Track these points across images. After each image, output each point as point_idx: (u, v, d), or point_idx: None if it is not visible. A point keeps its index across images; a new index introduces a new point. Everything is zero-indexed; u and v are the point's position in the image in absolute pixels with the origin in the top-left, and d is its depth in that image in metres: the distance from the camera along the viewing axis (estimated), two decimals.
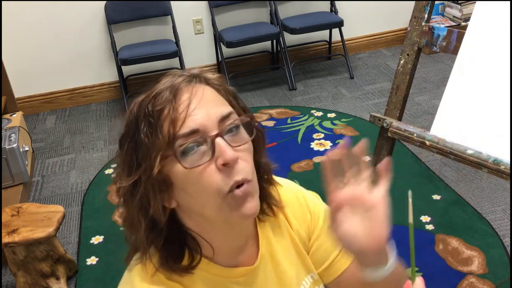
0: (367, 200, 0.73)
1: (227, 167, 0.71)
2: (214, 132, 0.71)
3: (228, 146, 0.71)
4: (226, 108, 0.74)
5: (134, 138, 0.72)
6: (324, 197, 0.90)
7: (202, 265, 0.78)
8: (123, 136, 0.75)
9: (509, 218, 2.26)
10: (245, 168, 0.73)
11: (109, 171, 2.92)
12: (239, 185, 0.72)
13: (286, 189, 0.91)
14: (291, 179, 0.98)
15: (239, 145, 0.73)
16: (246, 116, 0.76)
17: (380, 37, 4.22)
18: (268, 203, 0.84)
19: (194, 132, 0.70)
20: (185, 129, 0.70)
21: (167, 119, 0.70)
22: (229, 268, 0.81)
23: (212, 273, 0.79)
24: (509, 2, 1.28)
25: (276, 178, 0.88)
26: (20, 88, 3.59)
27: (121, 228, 2.72)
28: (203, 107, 0.71)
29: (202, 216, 0.75)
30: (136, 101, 0.74)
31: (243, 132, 0.75)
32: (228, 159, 0.70)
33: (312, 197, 0.96)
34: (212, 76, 0.76)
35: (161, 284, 0.75)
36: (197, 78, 0.75)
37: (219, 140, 0.71)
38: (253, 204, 0.74)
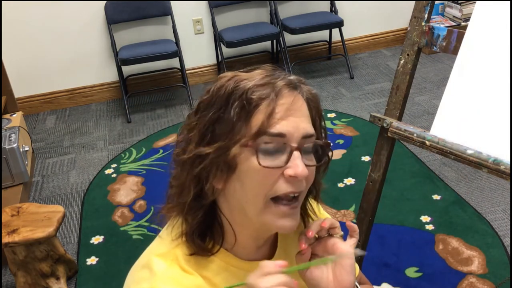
0: (340, 249, 0.79)
1: (290, 178, 0.73)
2: (295, 144, 0.73)
3: (302, 162, 0.73)
4: (311, 128, 0.76)
5: (219, 111, 0.74)
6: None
7: (221, 254, 0.80)
8: (207, 104, 0.76)
9: (509, 218, 2.26)
10: (301, 186, 0.76)
11: (109, 171, 2.92)
12: (288, 199, 0.75)
13: None
14: None
15: (310, 165, 0.76)
16: (324, 142, 0.79)
17: (380, 37, 4.22)
18: (304, 218, 0.87)
19: (280, 135, 0.73)
20: (275, 129, 0.72)
21: (262, 112, 0.72)
22: (248, 261, 0.82)
23: (230, 264, 0.81)
24: (509, 2, 1.28)
25: None
26: (20, 88, 3.59)
27: (121, 229, 2.72)
28: (296, 118, 0.74)
29: (241, 209, 0.77)
30: (232, 77, 0.76)
31: (316, 153, 0.79)
32: (299, 173, 0.73)
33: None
34: (310, 92, 0.79)
35: (181, 277, 0.77)
36: (299, 88, 0.77)
37: (296, 153, 0.73)
38: (292, 224, 0.77)
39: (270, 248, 0.87)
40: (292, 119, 0.73)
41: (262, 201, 0.74)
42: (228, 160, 0.73)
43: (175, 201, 0.80)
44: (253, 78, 0.75)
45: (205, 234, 0.79)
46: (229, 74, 0.78)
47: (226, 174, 0.74)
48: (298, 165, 0.73)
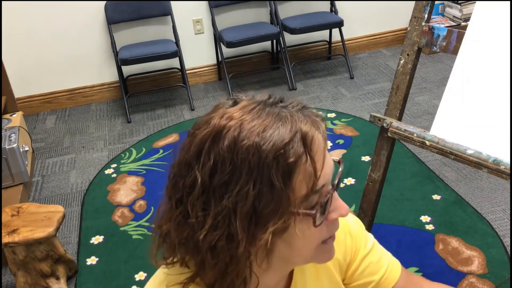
0: None
1: (335, 220, 0.69)
2: (330, 186, 0.68)
3: (341, 200, 0.69)
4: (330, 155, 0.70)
5: (256, 187, 0.62)
6: None
7: None
8: (235, 182, 0.62)
9: (509, 218, 2.26)
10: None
11: (109, 171, 2.92)
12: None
13: None
14: None
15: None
16: (339, 161, 0.73)
17: (380, 37, 4.22)
18: None
19: (323, 187, 0.66)
20: (319, 185, 0.65)
21: (303, 171, 0.63)
22: None
23: None
24: (509, 2, 1.28)
25: None
26: (20, 88, 3.59)
27: (121, 229, 2.72)
28: (328, 158, 0.67)
29: (284, 262, 0.72)
30: (244, 144, 0.62)
31: None
32: (345, 214, 0.69)
33: (353, 216, 0.93)
34: (316, 114, 0.70)
35: None
36: (313, 118, 0.67)
37: (335, 195, 0.69)
38: (334, 250, 0.74)
39: (287, 279, 0.83)
40: (327, 162, 0.67)
41: (314, 251, 0.70)
42: (282, 234, 0.65)
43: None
44: (269, 127, 0.63)
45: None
46: (232, 124, 0.64)
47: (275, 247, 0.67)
48: (341, 207, 0.68)
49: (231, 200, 0.62)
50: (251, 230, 0.63)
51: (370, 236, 0.93)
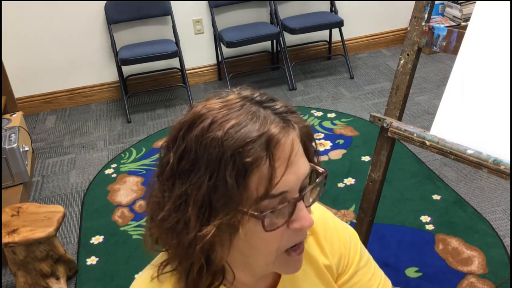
0: None
1: (297, 230, 0.68)
2: (296, 195, 0.66)
3: (306, 212, 0.67)
4: (307, 164, 0.68)
5: (211, 179, 0.63)
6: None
7: None
8: (192, 162, 0.64)
9: (509, 218, 2.26)
10: (306, 232, 0.71)
11: (109, 171, 2.92)
12: (297, 247, 0.71)
13: (316, 210, 0.87)
14: None
15: (311, 204, 0.70)
16: (323, 172, 0.70)
17: (380, 37, 4.22)
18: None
19: (282, 193, 0.65)
20: (277, 190, 0.64)
21: (260, 174, 0.63)
22: None
23: None
24: (509, 2, 1.28)
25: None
26: (20, 88, 3.59)
27: (121, 229, 2.72)
28: (295, 166, 0.65)
29: (246, 262, 0.72)
30: (209, 136, 0.64)
31: (310, 178, 0.71)
32: (307, 226, 0.67)
33: (347, 227, 0.92)
34: (299, 120, 0.69)
35: None
36: (289, 122, 0.67)
37: (300, 205, 0.67)
38: (300, 264, 0.73)
39: (274, 275, 0.82)
40: (291, 169, 0.65)
41: (273, 256, 0.69)
42: (230, 230, 0.66)
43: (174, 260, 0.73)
44: (239, 124, 0.64)
45: (203, 275, 0.73)
46: (207, 115, 0.66)
47: (229, 241, 0.67)
48: (304, 218, 0.67)
49: (190, 187, 0.64)
50: (204, 219, 0.65)
51: (365, 252, 0.92)
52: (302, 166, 0.67)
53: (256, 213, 0.64)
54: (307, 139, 0.71)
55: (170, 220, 0.67)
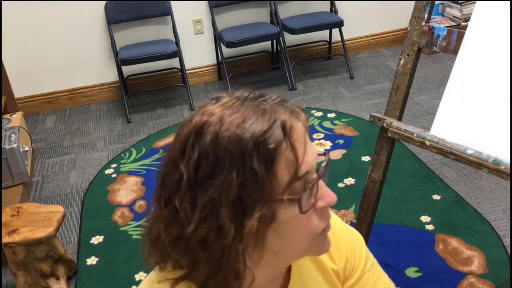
0: None
1: (323, 209, 0.69)
2: (315, 174, 0.68)
3: (328, 188, 0.69)
4: (314, 145, 0.71)
5: (239, 175, 0.63)
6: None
7: None
8: (212, 168, 0.63)
9: (509, 218, 2.26)
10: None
11: (109, 171, 2.92)
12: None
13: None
14: None
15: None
16: (324, 153, 0.73)
17: (380, 37, 4.22)
18: None
19: (306, 174, 0.66)
20: (302, 171, 0.65)
21: (284, 158, 0.64)
22: None
23: None
24: (509, 2, 1.28)
25: None
26: (20, 88, 3.59)
27: (121, 229, 2.70)
28: (310, 146, 0.68)
29: (277, 255, 0.71)
30: (222, 125, 0.64)
31: None
32: (332, 202, 0.68)
33: (352, 230, 0.93)
34: (296, 106, 0.71)
35: None
36: (291, 108, 0.69)
37: (321, 183, 0.69)
38: (329, 242, 0.74)
39: (284, 276, 0.82)
40: (309, 150, 0.67)
41: (309, 241, 0.70)
42: (268, 222, 0.65)
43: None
44: (249, 118, 0.65)
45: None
46: (213, 119, 0.65)
47: (263, 239, 0.67)
48: (328, 194, 0.68)
49: (216, 190, 0.63)
50: (238, 219, 0.63)
51: (370, 255, 0.92)
52: (313, 146, 0.69)
53: (291, 197, 0.65)
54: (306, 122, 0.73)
55: (200, 232, 0.64)
